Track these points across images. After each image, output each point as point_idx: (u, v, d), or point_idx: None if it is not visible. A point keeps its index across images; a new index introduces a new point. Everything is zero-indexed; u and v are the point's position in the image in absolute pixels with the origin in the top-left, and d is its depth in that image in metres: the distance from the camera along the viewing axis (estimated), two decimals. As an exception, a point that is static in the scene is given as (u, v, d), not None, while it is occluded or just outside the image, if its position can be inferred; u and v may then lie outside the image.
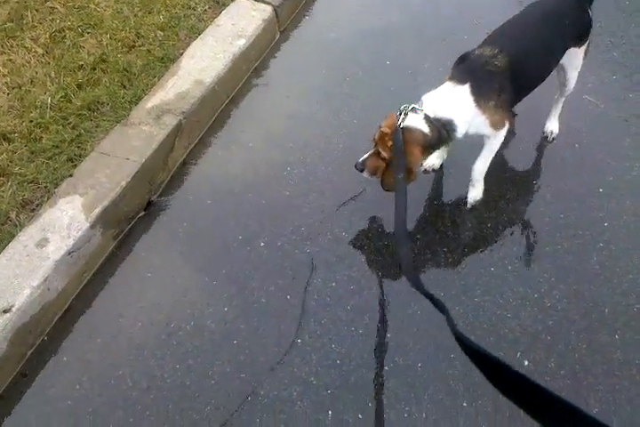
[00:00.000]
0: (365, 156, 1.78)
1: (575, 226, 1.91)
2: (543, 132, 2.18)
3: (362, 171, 1.79)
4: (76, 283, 1.82)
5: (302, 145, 2.25)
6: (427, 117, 1.65)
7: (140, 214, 2.04)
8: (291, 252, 1.89)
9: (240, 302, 1.77)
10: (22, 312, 1.62)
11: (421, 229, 1.94)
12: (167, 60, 2.46)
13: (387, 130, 1.64)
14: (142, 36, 2.56)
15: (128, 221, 2.00)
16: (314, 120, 2.35)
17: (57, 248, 1.75)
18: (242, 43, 2.55)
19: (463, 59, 1.73)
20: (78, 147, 2.08)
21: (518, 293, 1.74)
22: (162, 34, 2.57)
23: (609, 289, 1.73)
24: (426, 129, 1.64)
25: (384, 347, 1.65)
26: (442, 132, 1.66)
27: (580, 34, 1.84)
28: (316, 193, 2.07)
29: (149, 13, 2.69)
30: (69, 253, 1.76)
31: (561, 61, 1.86)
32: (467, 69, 1.68)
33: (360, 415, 1.52)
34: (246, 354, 1.65)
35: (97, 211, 1.85)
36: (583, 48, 1.89)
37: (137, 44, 2.51)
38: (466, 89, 1.65)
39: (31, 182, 1.95)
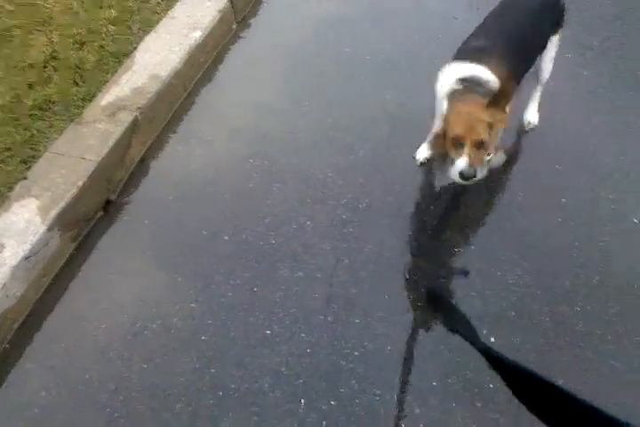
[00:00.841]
0: (465, 160, 1.49)
1: (534, 203, 1.93)
2: (523, 123, 2.16)
3: (473, 177, 1.50)
4: (36, 288, 1.77)
5: (263, 136, 2.22)
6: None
7: (99, 215, 1.99)
8: (255, 244, 1.87)
9: (206, 297, 1.75)
10: (-20, 321, 1.57)
11: (388, 214, 1.95)
12: (121, 56, 2.39)
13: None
14: (94, 31, 2.48)
15: (87, 223, 1.95)
16: (274, 110, 2.32)
17: (13, 253, 1.69)
18: (198, 35, 2.49)
19: (467, 46, 1.68)
20: (31, 148, 2.01)
21: (482, 271, 1.76)
22: (114, 28, 2.50)
23: (569, 263, 1.76)
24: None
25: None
26: None
27: (557, 20, 1.84)
28: (279, 184, 2.05)
29: (100, 8, 2.60)
30: (26, 258, 1.70)
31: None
32: (479, 54, 1.61)
33: (333, 402, 1.53)
34: (215, 349, 1.64)
35: (53, 213, 1.79)
36: (558, 35, 1.88)
37: (89, 40, 2.43)
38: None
39: (-17, 187, 1.89)
